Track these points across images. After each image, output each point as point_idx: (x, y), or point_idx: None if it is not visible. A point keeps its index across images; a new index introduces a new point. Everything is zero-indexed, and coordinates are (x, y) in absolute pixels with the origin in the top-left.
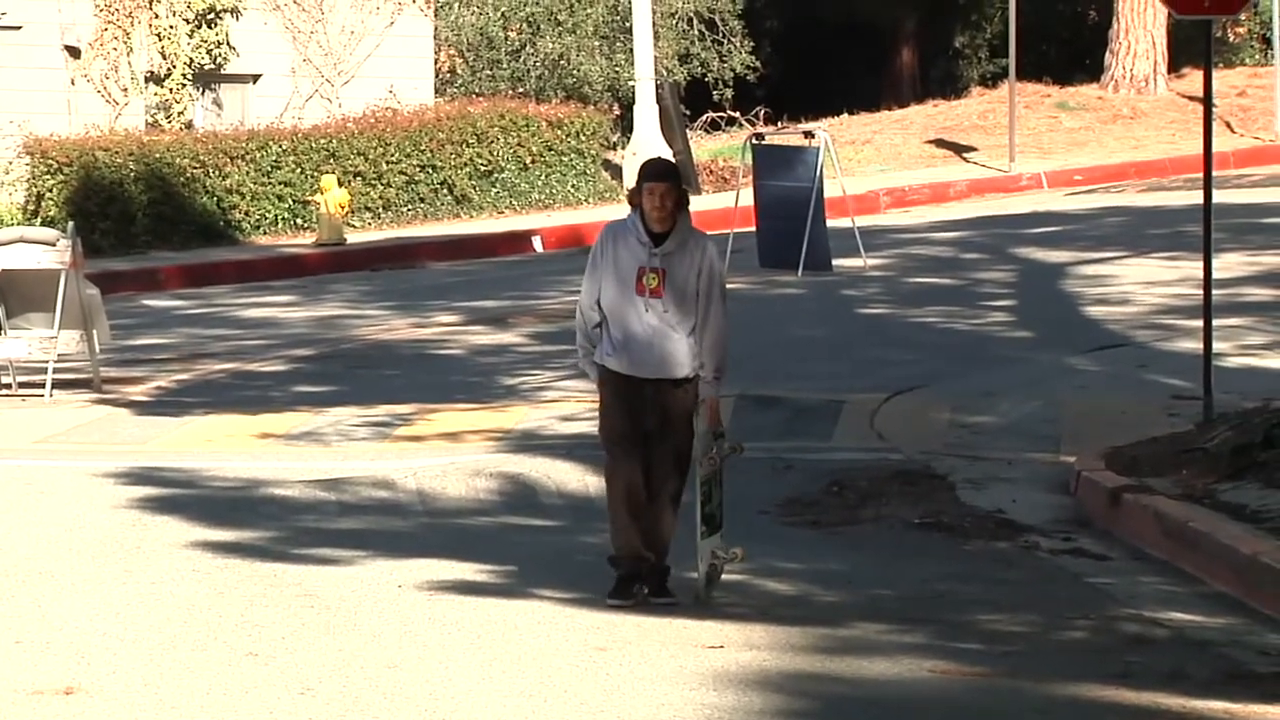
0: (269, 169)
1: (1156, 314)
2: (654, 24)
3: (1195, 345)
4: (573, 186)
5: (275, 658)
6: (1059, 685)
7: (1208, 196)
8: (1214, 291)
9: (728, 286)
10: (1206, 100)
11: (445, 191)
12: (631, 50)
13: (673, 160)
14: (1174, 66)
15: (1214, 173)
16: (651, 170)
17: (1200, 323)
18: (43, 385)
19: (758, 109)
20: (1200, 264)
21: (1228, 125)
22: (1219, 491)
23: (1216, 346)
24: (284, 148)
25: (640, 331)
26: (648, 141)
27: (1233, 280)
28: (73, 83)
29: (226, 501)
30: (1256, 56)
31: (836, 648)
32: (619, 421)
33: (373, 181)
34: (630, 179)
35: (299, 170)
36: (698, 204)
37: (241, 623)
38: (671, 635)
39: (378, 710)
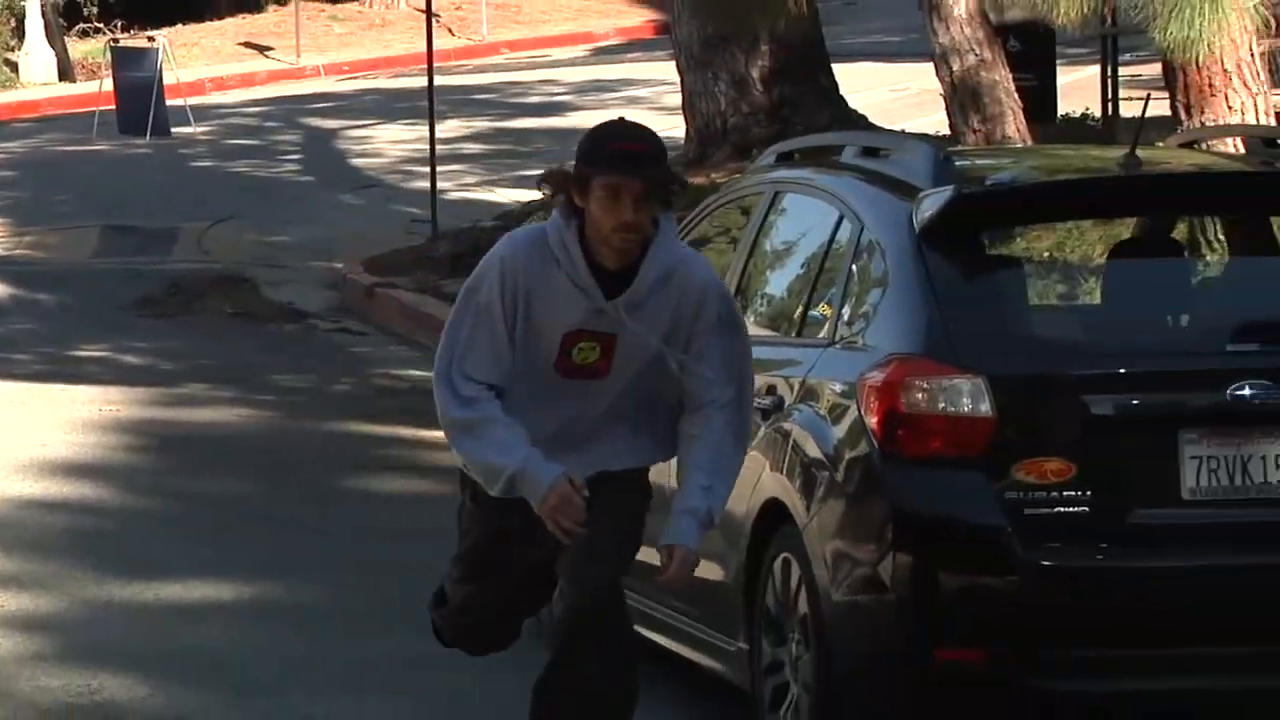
0: None
1: (400, 163)
2: None
3: (426, 185)
4: None
5: None
6: (328, 423)
7: (430, 80)
8: (438, 147)
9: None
10: (428, 13)
11: None
12: None
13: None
14: None
15: (436, 64)
16: (617, 146)
17: (429, 169)
18: None
19: (116, 21)
20: (427, 128)
21: (450, 30)
22: (443, 286)
23: (441, 185)
24: None
25: (559, 429)
26: (37, 45)
27: (453, 139)
28: None
29: None
30: None
31: (172, 402)
32: (489, 553)
33: None
34: (27, 71)
35: None
36: (75, 90)
37: None
38: (56, 398)
39: None
